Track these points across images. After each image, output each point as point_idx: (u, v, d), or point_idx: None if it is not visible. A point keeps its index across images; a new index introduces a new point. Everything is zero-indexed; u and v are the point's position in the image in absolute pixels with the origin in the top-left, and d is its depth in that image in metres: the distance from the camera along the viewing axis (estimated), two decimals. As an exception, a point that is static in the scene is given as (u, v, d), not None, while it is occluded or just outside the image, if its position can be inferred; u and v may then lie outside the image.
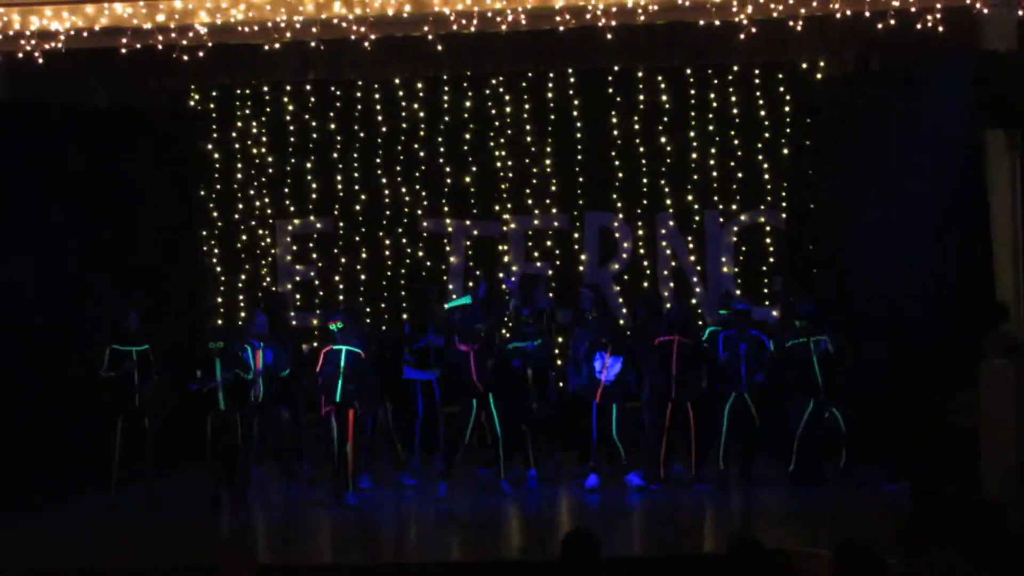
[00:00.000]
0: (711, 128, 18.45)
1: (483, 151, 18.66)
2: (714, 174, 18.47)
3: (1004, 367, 12.40)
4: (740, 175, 18.45)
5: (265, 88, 18.72)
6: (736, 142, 18.44)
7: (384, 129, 18.75)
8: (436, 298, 16.75)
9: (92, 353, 14.61)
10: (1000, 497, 11.06)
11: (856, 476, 14.57)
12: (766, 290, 18.34)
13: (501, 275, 17.43)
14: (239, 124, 18.93)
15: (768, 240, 18.43)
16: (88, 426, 14.89)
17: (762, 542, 6.96)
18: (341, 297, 18.47)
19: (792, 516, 13.51)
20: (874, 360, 14.85)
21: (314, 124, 18.85)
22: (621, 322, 17.68)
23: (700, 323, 17.07)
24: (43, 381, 14.75)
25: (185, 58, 13.46)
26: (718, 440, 14.97)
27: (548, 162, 18.64)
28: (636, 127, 18.52)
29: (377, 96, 18.72)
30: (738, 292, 18.01)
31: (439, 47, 13.40)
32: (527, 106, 18.63)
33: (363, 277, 18.77)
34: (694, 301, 18.15)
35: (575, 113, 18.61)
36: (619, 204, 18.58)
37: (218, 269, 18.85)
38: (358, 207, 18.80)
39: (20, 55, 13.51)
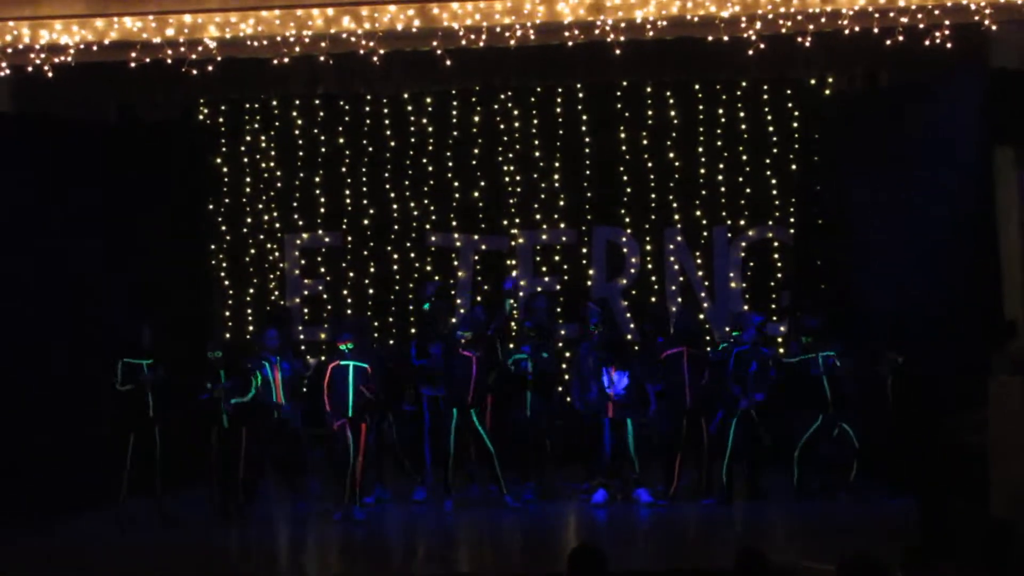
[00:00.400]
0: (719, 144, 18.46)
1: (491, 166, 18.67)
2: (722, 189, 18.47)
3: (1012, 384, 12.38)
4: (748, 191, 18.45)
5: (274, 102, 18.75)
6: (744, 158, 18.44)
7: (393, 143, 18.77)
8: (444, 313, 16.78)
9: (103, 367, 14.62)
10: (1008, 514, 11.03)
11: (863, 491, 14.55)
12: (774, 305, 18.30)
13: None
14: (248, 138, 18.95)
15: (776, 255, 18.42)
16: (96, 439, 14.90)
17: (769, 557, 6.95)
18: (349, 311, 18.47)
19: (799, 531, 13.49)
20: (881, 376, 14.81)
21: (323, 138, 18.88)
22: (628, 337, 17.70)
23: (707, 338, 17.04)
24: (52, 394, 14.79)
25: (194, 72, 13.45)
26: (722, 454, 14.97)
27: (556, 177, 18.65)
28: (644, 142, 18.53)
29: (386, 110, 18.75)
30: (745, 308, 18.02)
31: (448, 62, 13.39)
32: (536, 121, 18.65)
33: (371, 291, 18.77)
34: (702, 316, 18.13)
35: (583, 128, 18.63)
36: (627, 219, 18.58)
37: (226, 283, 18.86)
38: (366, 221, 18.82)
39: (29, 69, 13.51)
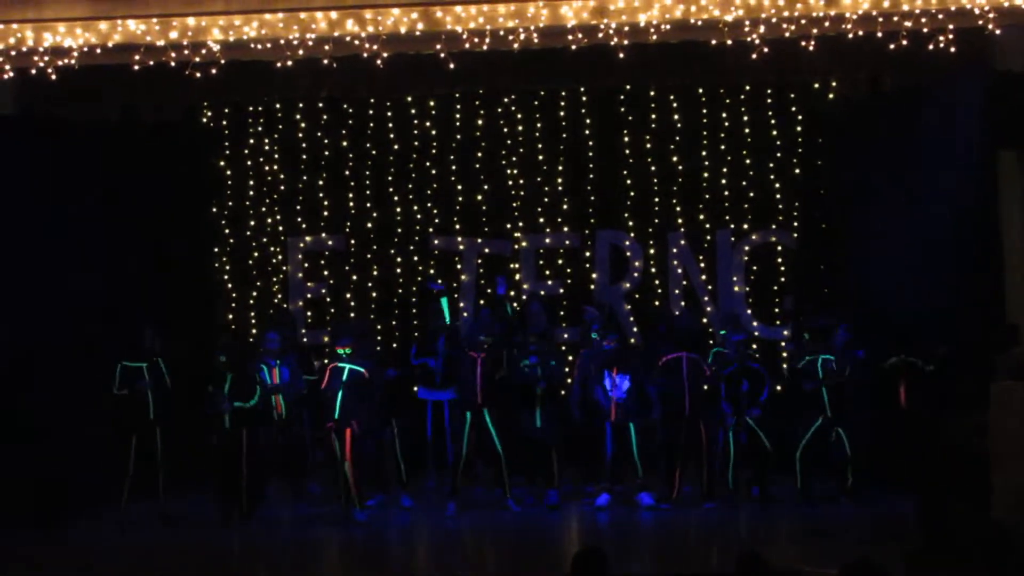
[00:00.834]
0: (723, 147, 18.44)
1: (495, 169, 18.67)
2: (726, 193, 18.45)
3: (1015, 388, 12.36)
4: (752, 194, 18.43)
5: (277, 105, 18.76)
6: (748, 161, 18.42)
7: (396, 147, 18.78)
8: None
9: (103, 368, 14.63)
10: (1010, 518, 11.02)
11: (864, 495, 14.54)
12: (777, 309, 18.30)
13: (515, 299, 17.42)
14: (251, 141, 18.96)
15: (779, 259, 18.40)
16: (97, 440, 14.91)
17: (769, 561, 6.94)
18: (352, 315, 18.48)
19: (800, 535, 13.47)
20: (884, 380, 14.82)
21: (326, 141, 18.89)
22: (632, 340, 17.69)
23: (711, 342, 17.03)
24: (52, 394, 14.80)
25: (198, 75, 13.47)
26: (726, 461, 14.98)
27: (560, 180, 18.64)
28: (648, 146, 18.53)
29: (389, 114, 18.76)
30: (748, 311, 18.03)
31: (451, 65, 13.41)
32: (539, 124, 18.65)
33: (374, 294, 18.77)
34: (705, 320, 18.12)
35: (587, 132, 18.62)
36: (631, 223, 18.57)
37: (229, 286, 18.86)
38: (370, 224, 18.82)
39: (33, 71, 13.55)
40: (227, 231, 18.91)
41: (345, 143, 18.86)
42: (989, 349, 13.11)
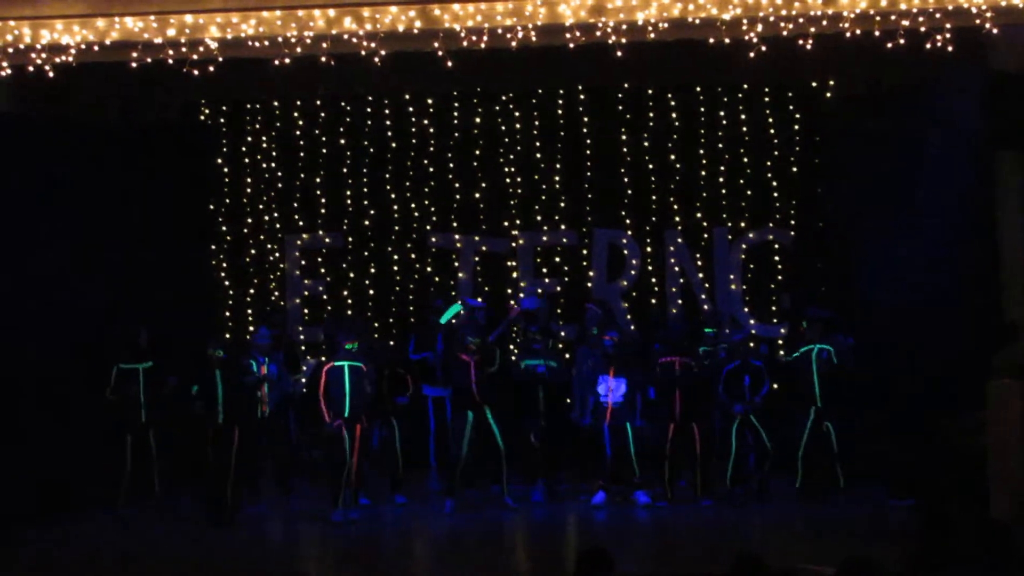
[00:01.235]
0: (720, 146, 18.46)
1: (492, 167, 18.67)
2: (723, 192, 18.47)
3: (1012, 386, 12.39)
4: (749, 193, 18.44)
5: (275, 103, 18.77)
6: (745, 160, 18.44)
7: (394, 144, 18.78)
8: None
9: (100, 368, 14.63)
10: (1008, 516, 11.04)
11: (861, 494, 14.55)
12: (774, 307, 18.30)
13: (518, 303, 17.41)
14: (249, 139, 18.96)
15: (776, 258, 18.41)
16: (95, 440, 14.91)
17: (766, 560, 6.94)
18: (349, 312, 18.47)
19: (798, 533, 13.49)
20: (881, 377, 14.83)
21: (324, 139, 18.89)
22: (631, 330, 17.72)
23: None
24: (51, 395, 14.78)
25: (195, 73, 13.44)
26: (726, 458, 14.97)
27: (557, 178, 18.65)
28: (645, 144, 18.53)
29: (387, 111, 18.76)
30: (746, 309, 18.04)
31: (449, 63, 13.38)
32: (537, 123, 18.65)
33: (372, 292, 18.76)
34: (702, 319, 18.11)
35: (584, 130, 18.63)
36: (628, 221, 18.58)
37: (227, 283, 18.85)
38: (367, 222, 18.82)
39: (30, 69, 13.51)
40: (224, 228, 18.90)
41: (343, 141, 18.85)
42: (986, 347, 13.13)
